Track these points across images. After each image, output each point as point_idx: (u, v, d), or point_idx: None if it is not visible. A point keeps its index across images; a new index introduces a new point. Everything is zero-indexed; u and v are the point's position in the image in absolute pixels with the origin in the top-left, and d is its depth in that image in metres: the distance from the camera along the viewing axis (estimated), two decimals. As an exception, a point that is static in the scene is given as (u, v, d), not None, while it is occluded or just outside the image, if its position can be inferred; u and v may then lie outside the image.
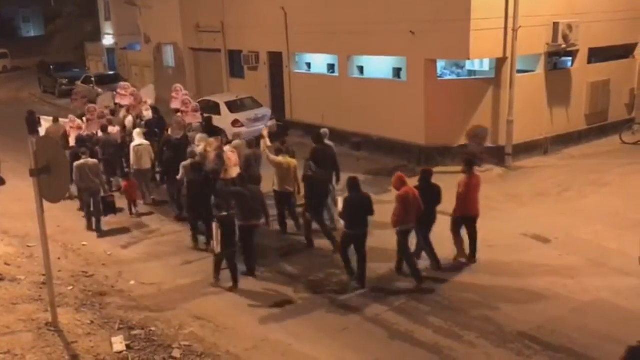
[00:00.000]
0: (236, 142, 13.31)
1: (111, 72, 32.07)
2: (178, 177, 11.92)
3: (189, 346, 7.89)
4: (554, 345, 7.65)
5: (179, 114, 16.27)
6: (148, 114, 17.18)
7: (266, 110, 19.96)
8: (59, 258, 10.67)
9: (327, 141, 12.77)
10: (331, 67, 19.35)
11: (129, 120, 16.51)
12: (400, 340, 8.02)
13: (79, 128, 15.91)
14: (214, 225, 9.62)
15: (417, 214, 9.40)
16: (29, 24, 76.19)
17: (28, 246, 11.26)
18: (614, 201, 12.49)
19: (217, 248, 9.59)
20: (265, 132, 12.71)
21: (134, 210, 13.49)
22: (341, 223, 9.82)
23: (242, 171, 11.64)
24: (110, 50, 36.29)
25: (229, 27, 23.11)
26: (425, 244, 9.98)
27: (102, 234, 12.40)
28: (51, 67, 35.07)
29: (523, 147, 15.58)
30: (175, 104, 17.04)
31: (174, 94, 17.35)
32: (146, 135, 14.37)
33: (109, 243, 11.94)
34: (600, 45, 16.82)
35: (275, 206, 11.77)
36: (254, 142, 13.00)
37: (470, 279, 9.58)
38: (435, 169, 15.13)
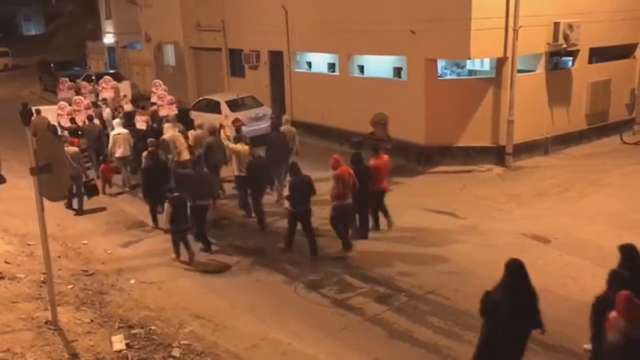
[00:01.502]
0: (198, 131, 14.27)
1: (112, 71, 32.07)
2: (142, 166, 12.96)
3: (189, 345, 7.90)
4: (554, 346, 7.64)
5: (154, 107, 17.62)
6: (128, 106, 18.15)
7: (266, 109, 19.95)
8: (59, 257, 10.67)
9: (290, 127, 14.40)
10: (332, 67, 19.36)
11: (107, 112, 17.75)
12: (399, 340, 8.02)
13: (69, 114, 17.36)
14: (166, 205, 10.70)
15: (353, 190, 10.60)
16: (30, 22, 76.11)
17: (28, 244, 11.25)
18: (615, 201, 12.49)
19: (167, 225, 10.79)
20: (224, 122, 14.48)
21: (107, 190, 14.78)
22: (287, 203, 11.05)
23: (203, 157, 12.80)
24: (111, 49, 36.28)
25: (230, 26, 23.11)
26: (362, 217, 11.25)
27: (82, 212, 13.52)
28: (52, 65, 35.05)
29: (523, 147, 15.58)
30: (153, 98, 18.54)
31: (153, 89, 18.94)
32: (126, 126, 15.40)
33: (108, 242, 11.95)
34: (601, 45, 16.81)
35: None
36: (216, 130, 14.01)
37: (470, 280, 9.58)
38: (435, 169, 15.40)
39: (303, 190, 10.57)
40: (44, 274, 8.70)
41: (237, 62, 23.24)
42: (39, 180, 7.39)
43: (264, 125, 19.39)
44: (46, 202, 7.58)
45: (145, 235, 12.34)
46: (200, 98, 21.50)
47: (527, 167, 15.25)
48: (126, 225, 12.84)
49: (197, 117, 17.89)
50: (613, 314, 5.57)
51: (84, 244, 11.81)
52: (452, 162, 15.52)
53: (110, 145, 14.72)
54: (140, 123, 16.04)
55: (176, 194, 10.63)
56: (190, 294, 9.65)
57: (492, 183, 14.32)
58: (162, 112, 16.92)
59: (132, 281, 10.10)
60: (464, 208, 12.62)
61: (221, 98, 20.03)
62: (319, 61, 20.04)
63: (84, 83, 21.58)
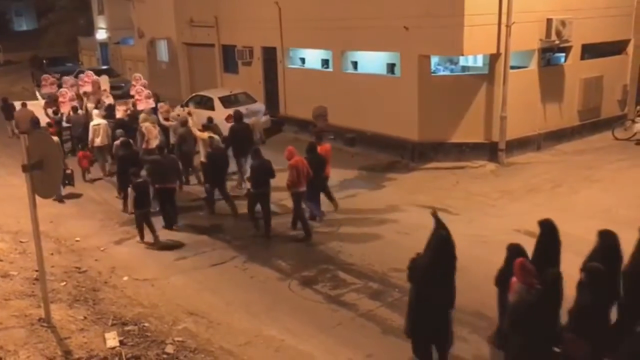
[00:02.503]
0: (172, 122, 15.55)
1: (104, 67, 31.94)
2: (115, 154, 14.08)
3: (183, 342, 7.90)
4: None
5: (133, 100, 18.48)
6: (109, 99, 19.18)
7: (260, 106, 19.93)
8: (52, 254, 10.64)
9: (259, 119, 16.19)
10: (325, 63, 19.34)
11: (90, 105, 18.41)
12: (393, 336, 8.04)
13: (72, 100, 18.56)
14: (129, 190, 11.55)
15: (307, 179, 11.35)
16: (21, 17, 75.68)
17: (21, 242, 11.22)
18: (606, 197, 12.56)
19: (131, 208, 11.79)
20: (191, 109, 16.21)
21: (86, 177, 15.63)
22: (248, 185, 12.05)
23: (176, 146, 14.30)
24: (103, 45, 36.16)
25: (223, 22, 23.05)
26: (314, 200, 12.01)
27: (61, 199, 13.98)
28: (44, 61, 34.91)
29: (516, 143, 15.64)
30: (132, 91, 19.34)
31: (133, 82, 19.59)
32: (107, 118, 16.55)
33: (102, 239, 11.93)
34: (593, 41, 16.87)
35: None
36: (187, 121, 14.83)
37: (463, 275, 9.60)
38: (429, 165, 15.44)
39: (263, 173, 11.41)
40: (36, 271, 8.67)
41: (230, 58, 23.19)
42: (31, 178, 7.37)
43: (257, 122, 19.40)
44: (38, 199, 7.56)
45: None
46: (194, 94, 21.45)
47: (519, 163, 15.31)
48: (119, 222, 12.81)
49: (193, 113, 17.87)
50: (513, 279, 6.41)
51: (77, 241, 11.78)
52: (445, 158, 15.56)
53: (90, 135, 15.68)
54: (120, 113, 17.19)
55: (139, 179, 11.47)
56: (184, 290, 9.65)
57: (485, 179, 14.37)
58: (140, 106, 17.66)
59: (126, 278, 10.09)
60: (457, 204, 12.66)
61: (214, 94, 19.98)
62: (313, 57, 20.03)
63: (66, 77, 22.30)
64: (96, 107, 17.61)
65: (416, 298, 6.82)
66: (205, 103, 19.60)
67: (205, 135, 13.61)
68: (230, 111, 18.78)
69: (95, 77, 21.57)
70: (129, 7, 30.39)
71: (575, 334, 6.11)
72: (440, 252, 6.89)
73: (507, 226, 11.37)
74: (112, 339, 7.61)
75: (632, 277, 6.89)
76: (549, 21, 15.19)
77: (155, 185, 12.05)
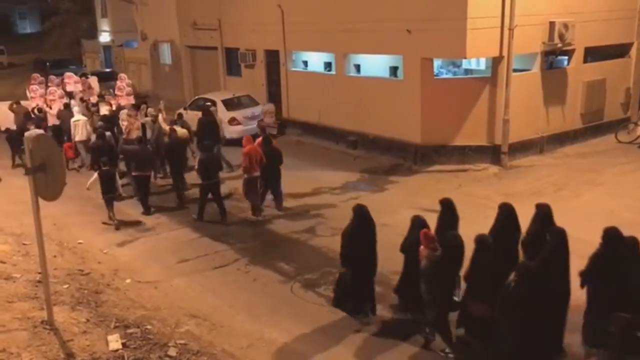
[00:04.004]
0: (147, 118, 16.41)
1: (108, 70, 32.02)
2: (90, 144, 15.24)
3: (185, 344, 7.90)
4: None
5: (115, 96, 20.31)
6: (94, 98, 20.50)
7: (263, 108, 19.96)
8: (54, 256, 10.64)
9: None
10: (328, 66, 19.36)
11: (73, 102, 19.61)
12: (394, 339, 8.04)
13: (61, 97, 20.03)
14: (96, 175, 13.14)
15: (260, 166, 12.48)
16: (25, 20, 75.83)
17: (24, 244, 11.22)
18: (609, 200, 12.54)
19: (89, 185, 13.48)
20: (161, 106, 17.04)
21: (69, 166, 16.37)
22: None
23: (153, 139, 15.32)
24: (106, 48, 36.23)
25: (226, 24, 23.09)
26: (275, 192, 13.06)
27: None
28: (47, 64, 35.02)
29: (519, 146, 15.62)
30: (116, 89, 20.88)
31: (118, 82, 20.94)
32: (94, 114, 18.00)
33: (104, 241, 11.94)
34: (596, 44, 16.87)
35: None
36: (157, 117, 16.10)
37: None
38: (431, 168, 15.43)
39: (212, 166, 12.57)
40: (39, 273, 8.67)
41: (233, 61, 23.24)
42: (34, 180, 7.38)
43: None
44: (42, 202, 7.57)
45: (141, 234, 12.35)
46: (196, 97, 21.49)
47: (522, 166, 15.30)
48: (122, 225, 12.82)
49: (193, 115, 17.91)
50: (421, 247, 7.66)
51: (79, 243, 11.79)
52: (448, 161, 15.56)
53: (72, 130, 16.82)
54: (103, 110, 18.51)
55: (106, 168, 12.63)
56: (186, 293, 9.66)
57: (488, 182, 14.36)
58: (122, 102, 19.30)
59: (128, 280, 10.10)
60: (459, 207, 12.48)
61: (217, 97, 20.04)
62: (315, 60, 20.05)
63: (52, 77, 23.43)
64: (88, 106, 19.02)
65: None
66: (209, 106, 19.62)
67: (167, 128, 15.14)
68: (234, 114, 18.90)
69: (77, 77, 23.09)
70: (132, 10, 30.45)
71: (474, 296, 7.32)
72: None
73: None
74: (114, 342, 7.60)
75: (529, 246, 8.03)
76: (552, 24, 15.20)
77: (133, 172, 13.63)
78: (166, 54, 28.87)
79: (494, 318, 6.91)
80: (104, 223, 12.80)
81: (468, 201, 13.04)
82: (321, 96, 19.01)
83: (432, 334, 7.76)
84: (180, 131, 14.89)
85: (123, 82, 20.71)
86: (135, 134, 14.96)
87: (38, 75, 23.82)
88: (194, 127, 16.14)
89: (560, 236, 7.43)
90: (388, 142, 16.72)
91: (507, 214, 8.36)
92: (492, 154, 15.42)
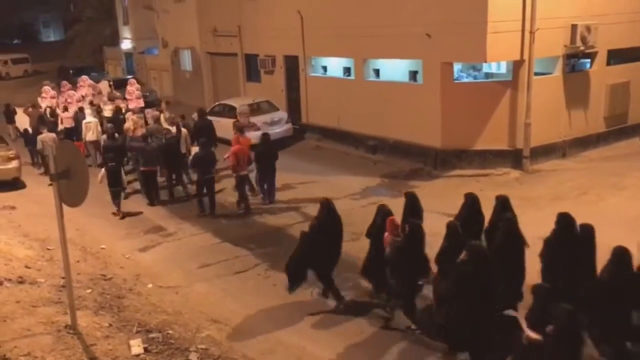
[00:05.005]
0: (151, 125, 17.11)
1: (129, 76, 32.40)
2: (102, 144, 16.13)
3: (206, 349, 7.94)
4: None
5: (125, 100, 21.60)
6: (103, 101, 21.69)
7: (282, 114, 20.03)
8: (78, 261, 10.77)
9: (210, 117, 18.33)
10: (347, 71, 19.36)
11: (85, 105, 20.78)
12: (415, 345, 7.99)
13: (79, 101, 21.15)
14: (103, 170, 13.75)
15: (248, 164, 13.65)
16: (49, 28, 77.17)
17: (48, 249, 11.39)
18: (634, 205, 12.31)
19: (100, 180, 13.60)
20: (163, 106, 18.89)
21: None
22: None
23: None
24: (128, 55, 36.65)
25: (246, 31, 23.24)
26: (268, 187, 14.06)
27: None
28: (70, 71, 35.51)
29: (541, 150, 15.45)
30: (127, 94, 22.12)
31: (128, 87, 22.19)
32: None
33: (127, 246, 12.07)
34: (620, 46, 16.63)
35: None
36: (159, 117, 17.54)
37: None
38: (452, 173, 15.33)
39: (208, 162, 13.47)
40: (63, 278, 8.79)
41: (253, 67, 23.36)
42: (59, 186, 7.48)
43: (279, 130, 19.48)
44: (65, 208, 7.67)
45: (163, 239, 12.45)
46: (217, 103, 21.65)
47: (544, 170, 15.12)
48: (144, 230, 12.96)
49: (214, 122, 18.06)
50: (386, 234, 8.41)
51: (102, 248, 11.93)
52: (469, 165, 15.45)
53: (83, 131, 17.88)
54: (106, 112, 19.89)
55: (112, 164, 13.73)
56: (207, 298, 9.71)
57: (510, 187, 14.18)
58: (131, 105, 20.37)
59: (150, 285, 10.19)
60: (480, 212, 12.52)
61: (237, 103, 20.14)
62: (335, 65, 20.07)
63: (64, 82, 24.80)
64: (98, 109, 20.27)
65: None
66: (228, 112, 19.76)
67: (165, 127, 16.39)
68: (253, 119, 18.96)
69: (90, 81, 24.20)
70: (153, 18, 30.79)
71: (443, 277, 7.79)
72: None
73: (531, 234, 11.16)
74: (136, 346, 7.67)
75: (490, 234, 8.71)
76: (574, 27, 15.02)
77: (140, 168, 14.70)
78: (187, 61, 29.13)
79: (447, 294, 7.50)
80: (113, 214, 13.78)
81: (489, 206, 12.92)
82: (340, 101, 19.01)
83: (392, 313, 8.53)
84: (182, 130, 15.86)
85: (133, 87, 21.85)
86: (140, 131, 15.84)
87: (49, 82, 25.61)
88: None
89: (510, 223, 8.18)
90: (408, 146, 16.66)
91: (471, 203, 9.02)
92: (513, 158, 15.28)
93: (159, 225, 13.19)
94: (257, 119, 19.09)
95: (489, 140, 15.41)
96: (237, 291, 9.92)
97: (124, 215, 13.75)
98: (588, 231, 7.77)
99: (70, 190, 7.47)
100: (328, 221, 9.02)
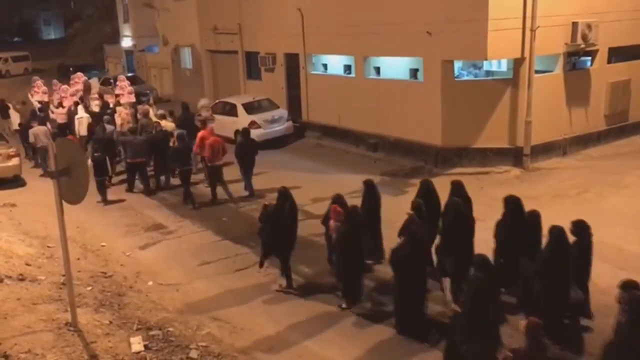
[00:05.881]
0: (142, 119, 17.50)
1: (130, 74, 32.37)
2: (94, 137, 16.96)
3: (207, 347, 7.95)
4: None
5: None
6: (94, 97, 22.20)
7: (283, 112, 20.03)
8: (78, 259, 10.79)
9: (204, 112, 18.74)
10: (347, 68, 19.35)
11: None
12: (417, 343, 7.99)
13: (73, 95, 21.61)
14: (88, 161, 13.34)
15: (223, 155, 14.36)
16: (49, 26, 77.22)
17: (48, 247, 11.40)
18: (634, 203, 12.32)
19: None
20: (151, 101, 20.44)
21: None
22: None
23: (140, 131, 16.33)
24: (129, 52, 36.60)
25: (246, 29, 23.22)
26: (246, 179, 14.58)
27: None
28: (71, 69, 35.45)
29: (541, 148, 15.44)
30: (117, 90, 22.07)
31: (118, 82, 22.17)
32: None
33: (127, 244, 12.07)
34: (621, 44, 16.61)
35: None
36: (148, 112, 17.81)
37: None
38: (452, 171, 15.33)
39: (186, 154, 14.40)
40: (63, 275, 8.80)
41: (253, 65, 23.34)
42: (59, 184, 7.48)
43: (280, 128, 19.49)
44: (66, 205, 7.67)
45: (163, 237, 12.46)
46: (217, 101, 21.64)
47: (545, 168, 15.12)
48: (144, 228, 12.97)
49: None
50: (331, 222, 9.39)
51: (102, 246, 11.94)
52: (469, 163, 15.44)
53: (76, 125, 18.65)
54: (94, 107, 20.59)
55: (97, 154, 14.61)
56: (208, 295, 9.71)
57: (510, 185, 14.19)
58: (123, 100, 20.48)
59: (150, 283, 10.20)
60: (481, 210, 12.44)
61: (237, 101, 20.15)
62: (335, 63, 20.06)
63: (55, 81, 25.17)
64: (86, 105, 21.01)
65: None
66: (229, 110, 19.76)
67: (155, 121, 16.81)
68: (254, 117, 18.98)
69: (85, 77, 24.53)
70: (153, 16, 30.75)
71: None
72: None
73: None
74: (137, 344, 7.68)
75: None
76: (575, 25, 15.00)
77: (128, 160, 15.35)
78: (187, 59, 29.12)
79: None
80: (98, 202, 14.43)
81: (489, 204, 12.89)
82: (341, 99, 19.00)
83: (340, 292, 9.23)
84: (167, 124, 16.53)
85: (124, 82, 22.24)
86: (127, 126, 16.71)
87: (37, 78, 25.96)
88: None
89: (454, 207, 8.99)
90: (408, 144, 16.65)
91: (425, 188, 9.94)
92: (514, 156, 15.27)
93: (160, 223, 13.19)
94: (257, 117, 19.10)
95: (490, 138, 15.40)
96: (238, 289, 9.92)
97: (108, 202, 14.57)
98: (535, 216, 8.86)
99: (70, 188, 7.48)
100: (285, 209, 9.78)
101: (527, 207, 12.58)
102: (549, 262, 7.58)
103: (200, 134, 14.95)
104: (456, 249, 8.69)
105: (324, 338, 8.28)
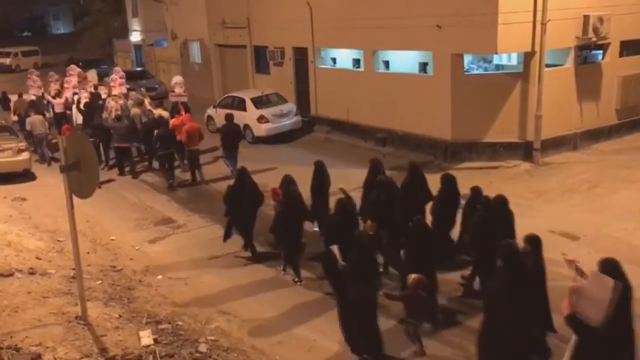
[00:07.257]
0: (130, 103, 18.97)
1: (138, 69, 32.42)
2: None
3: (215, 341, 7.96)
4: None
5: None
6: (90, 89, 22.36)
7: (291, 106, 20.00)
8: (88, 252, 10.84)
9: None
10: (356, 62, 19.28)
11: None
12: (427, 339, 7.97)
13: (74, 87, 22.03)
14: None
15: (200, 140, 15.52)
16: (58, 21, 77.36)
17: (58, 240, 11.46)
18: (645, 198, 12.24)
19: None
20: (144, 91, 21.26)
21: None
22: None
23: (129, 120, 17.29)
24: (137, 47, 36.64)
25: (255, 23, 23.18)
26: (232, 164, 15.21)
27: (49, 162, 17.61)
28: (80, 63, 35.51)
29: (551, 142, 15.34)
30: (111, 81, 22.78)
31: (113, 74, 22.79)
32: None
33: (136, 238, 12.11)
34: (633, 38, 16.46)
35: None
36: (143, 102, 18.80)
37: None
38: (462, 165, 15.27)
39: (167, 139, 15.20)
40: (73, 269, 8.84)
41: (262, 59, 23.31)
42: (69, 178, 7.51)
43: (288, 122, 19.47)
44: (75, 199, 7.70)
45: (172, 231, 12.49)
46: (226, 95, 21.64)
47: (555, 163, 15.02)
48: (154, 222, 13.00)
49: (222, 114, 18.07)
50: (272, 202, 10.61)
51: (112, 240, 11.99)
52: (479, 158, 15.38)
53: (74, 116, 19.52)
54: (83, 97, 20.67)
55: (91, 139, 14.27)
56: (217, 289, 9.73)
57: (520, 179, 14.14)
58: (115, 90, 21.03)
59: (160, 277, 10.23)
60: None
61: (246, 95, 20.14)
62: (344, 57, 19.99)
63: (51, 73, 25.41)
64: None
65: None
66: (238, 104, 19.75)
67: (158, 110, 17.88)
68: (262, 112, 18.98)
69: (79, 70, 24.40)
70: (162, 10, 30.76)
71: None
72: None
73: (541, 227, 11.07)
74: (146, 337, 7.70)
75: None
76: (586, 18, 14.87)
77: (114, 144, 16.48)
78: (196, 53, 29.12)
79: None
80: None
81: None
82: (350, 93, 18.95)
83: (285, 268, 10.10)
84: (162, 113, 17.49)
85: (117, 75, 22.86)
86: (114, 113, 17.35)
87: (32, 69, 26.67)
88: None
89: (384, 184, 10.09)
90: (418, 139, 16.60)
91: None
92: (524, 150, 15.18)
93: (169, 217, 13.22)
94: (266, 111, 19.09)
95: (500, 133, 15.32)
96: (247, 283, 9.93)
97: (100, 184, 14.30)
98: (476, 192, 9.66)
99: (80, 182, 7.50)
100: (244, 188, 10.63)
101: (537, 201, 12.66)
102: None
103: (172, 121, 16.21)
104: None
105: (333, 332, 8.26)
